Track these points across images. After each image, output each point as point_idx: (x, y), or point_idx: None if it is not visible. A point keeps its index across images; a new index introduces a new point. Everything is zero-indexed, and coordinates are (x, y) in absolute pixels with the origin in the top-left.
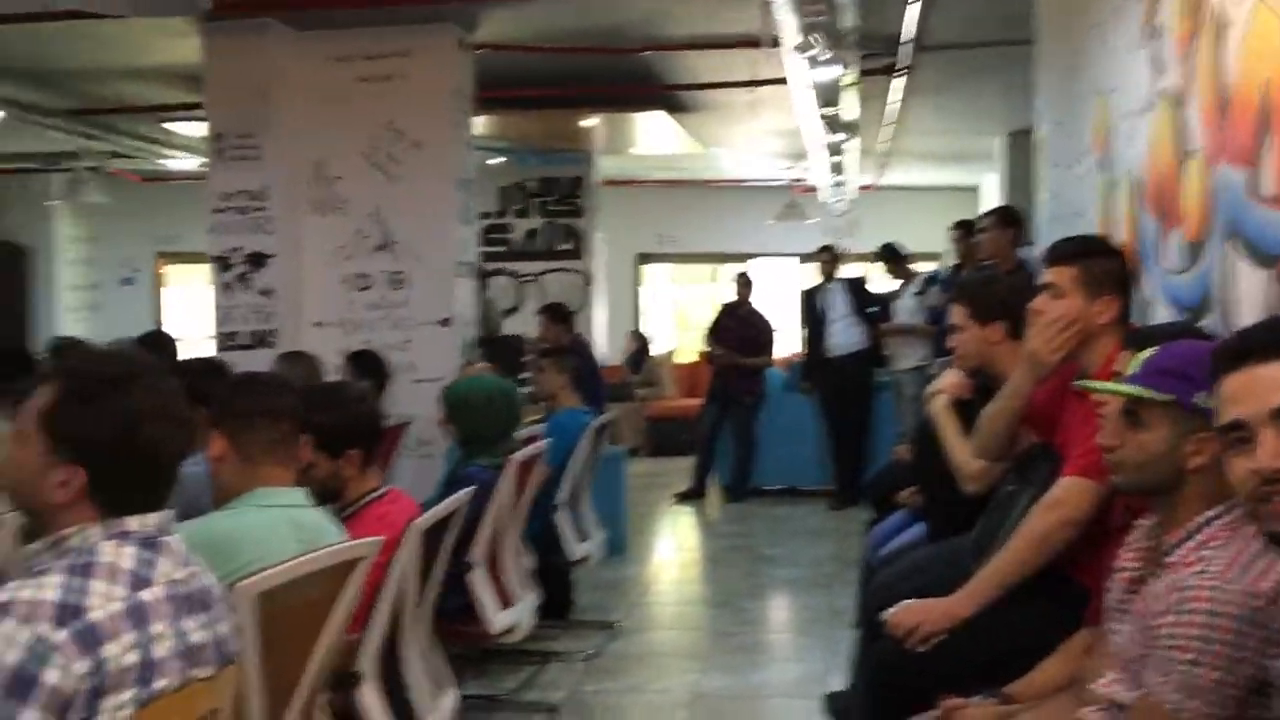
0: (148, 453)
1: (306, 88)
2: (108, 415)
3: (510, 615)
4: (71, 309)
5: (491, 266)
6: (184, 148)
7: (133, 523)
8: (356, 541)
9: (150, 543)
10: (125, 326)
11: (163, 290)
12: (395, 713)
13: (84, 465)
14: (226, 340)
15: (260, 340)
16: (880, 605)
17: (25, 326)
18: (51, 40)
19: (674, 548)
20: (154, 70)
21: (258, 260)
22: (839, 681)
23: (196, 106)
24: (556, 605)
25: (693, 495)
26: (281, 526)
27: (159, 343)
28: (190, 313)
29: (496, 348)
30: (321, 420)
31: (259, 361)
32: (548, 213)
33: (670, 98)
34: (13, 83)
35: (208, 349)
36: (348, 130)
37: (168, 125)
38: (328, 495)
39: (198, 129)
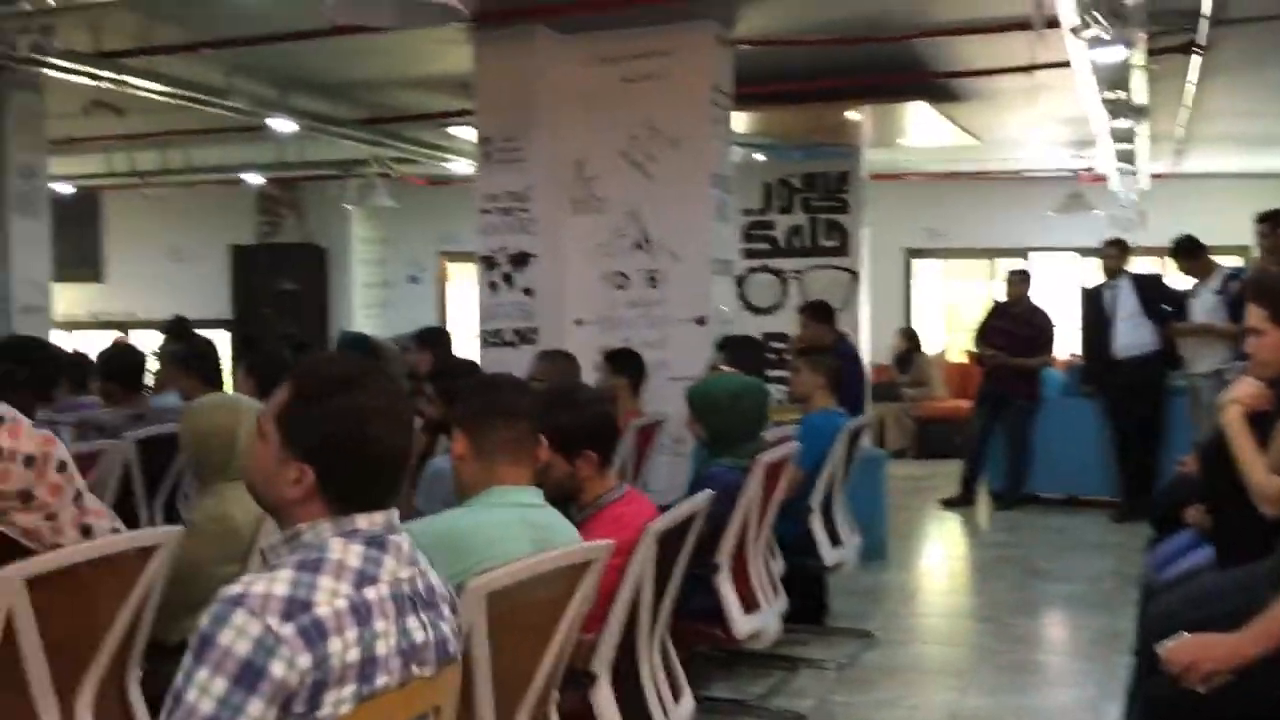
0: (373, 453)
1: (568, 89)
2: (334, 415)
3: (755, 620)
4: (365, 306)
5: (754, 264)
6: (461, 153)
7: (361, 521)
8: (588, 544)
9: (377, 541)
10: (411, 323)
11: (446, 288)
12: (629, 715)
13: (313, 463)
14: (491, 337)
15: (523, 338)
16: (1159, 634)
17: (326, 322)
18: (341, 55)
19: (938, 556)
20: (433, 79)
21: (521, 259)
22: (1114, 712)
23: (471, 112)
24: (810, 611)
25: (960, 501)
26: (515, 526)
27: (435, 339)
28: (468, 310)
29: (736, 348)
30: (558, 421)
31: (521, 358)
32: (812, 209)
33: (940, 86)
34: (309, 95)
35: (477, 346)
36: (607, 130)
37: (448, 130)
38: (565, 495)
39: (473, 133)
